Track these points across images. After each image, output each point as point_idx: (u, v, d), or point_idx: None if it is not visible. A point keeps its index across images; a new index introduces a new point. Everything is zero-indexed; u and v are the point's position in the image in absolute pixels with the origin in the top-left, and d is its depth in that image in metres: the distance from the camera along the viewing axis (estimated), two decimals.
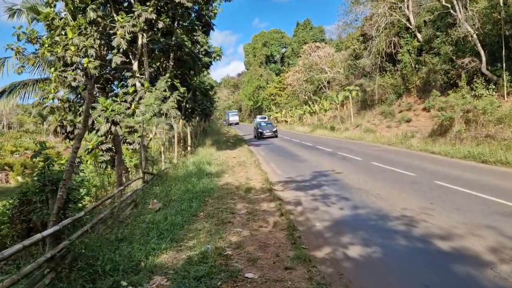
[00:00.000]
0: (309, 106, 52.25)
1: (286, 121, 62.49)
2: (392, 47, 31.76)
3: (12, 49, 16.57)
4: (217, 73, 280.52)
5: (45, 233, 4.68)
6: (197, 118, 33.71)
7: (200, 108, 31.69)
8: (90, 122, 15.98)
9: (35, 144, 8.21)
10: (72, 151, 5.12)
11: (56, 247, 4.98)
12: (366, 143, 23.87)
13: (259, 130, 34.06)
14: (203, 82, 34.13)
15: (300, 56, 61.03)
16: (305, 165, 15.05)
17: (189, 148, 23.83)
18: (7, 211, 8.11)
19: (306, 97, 58.52)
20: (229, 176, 13.18)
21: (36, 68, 19.28)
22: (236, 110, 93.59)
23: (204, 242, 5.92)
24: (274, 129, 34.09)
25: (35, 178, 7.99)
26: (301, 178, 12.13)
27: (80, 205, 9.10)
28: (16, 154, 42.80)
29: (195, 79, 28.93)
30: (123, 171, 16.77)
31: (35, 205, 7.83)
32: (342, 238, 6.08)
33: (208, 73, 37.18)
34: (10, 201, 8.50)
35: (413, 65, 29.88)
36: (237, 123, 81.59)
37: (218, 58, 29.38)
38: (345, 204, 8.26)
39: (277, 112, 69.03)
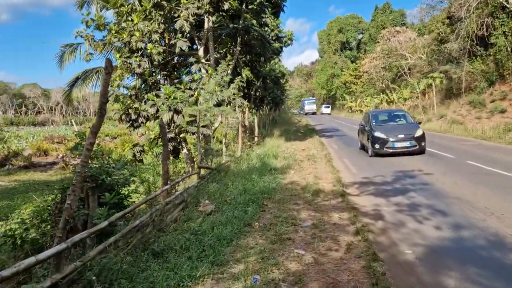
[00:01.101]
0: (387, 94, 48.78)
1: (361, 111, 59.13)
2: (484, 29, 27.75)
3: (81, 36, 16.42)
4: (289, 62, 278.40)
5: (41, 256, 3.58)
6: (267, 107, 32.54)
7: (270, 96, 30.42)
8: (154, 110, 15.43)
9: (75, 135, 7.37)
10: (85, 149, 3.97)
11: (62, 270, 3.89)
12: (454, 136, 20.89)
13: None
14: (274, 69, 32.77)
15: (378, 42, 57.07)
16: (384, 162, 13.00)
17: (256, 139, 22.64)
18: (49, 207, 7.40)
19: (384, 85, 54.72)
20: (295, 173, 11.66)
21: (106, 55, 19.22)
22: (314, 98, 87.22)
23: (252, 270, 4.49)
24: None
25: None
26: (380, 179, 10.20)
27: (127, 202, 8.23)
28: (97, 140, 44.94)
29: (265, 66, 27.64)
30: (189, 161, 16.11)
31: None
32: (445, 279, 4.30)
33: (279, 60, 35.72)
34: (52, 196, 7.83)
35: (509, 49, 25.83)
36: (314, 113, 74.48)
37: (289, 43, 27.78)
38: (442, 221, 6.31)
39: (351, 101, 65.70)
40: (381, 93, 52.48)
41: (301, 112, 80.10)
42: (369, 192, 8.81)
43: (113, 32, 16.09)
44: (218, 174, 10.59)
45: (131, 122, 16.55)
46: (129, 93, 17.22)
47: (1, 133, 46.51)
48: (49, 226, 7.06)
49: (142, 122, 16.44)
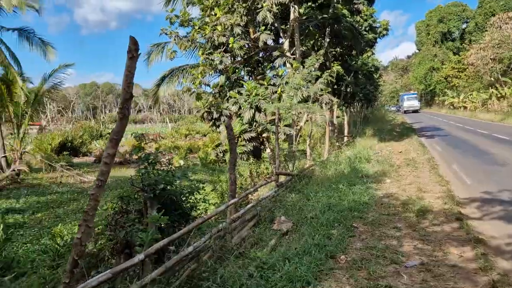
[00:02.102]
0: (497, 89, 42.99)
1: (465, 107, 53.08)
2: None
3: (166, 33, 16.16)
4: (383, 55, 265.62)
5: None
6: (358, 104, 30.31)
7: (362, 92, 28.15)
8: (236, 108, 14.59)
9: (134, 137, 6.52)
10: (103, 163, 2.89)
11: None
12: None
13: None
14: (367, 63, 30.32)
15: (487, 31, 50.59)
16: (508, 170, 10.48)
17: (345, 139, 20.74)
18: (106, 217, 6.67)
19: (493, 79, 48.40)
20: (392, 182, 9.78)
21: (190, 53, 18.92)
22: (415, 92, 73.25)
23: None
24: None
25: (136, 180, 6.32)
26: (509, 195, 7.94)
27: (195, 213, 7.24)
28: (188, 137, 46.29)
29: (357, 59, 25.48)
30: (272, 162, 14.96)
31: (128, 215, 6.15)
32: None
33: (373, 53, 33.06)
34: (110, 205, 7.11)
35: None
36: (416, 111, 62.13)
37: (385, 33, 25.27)
38: None
39: (453, 97, 59.37)
40: (489, 88, 46.55)
41: (399, 109, 71.63)
42: (497, 216, 6.64)
43: (196, 28, 15.58)
44: (300, 182, 9.19)
45: (213, 120, 15.96)
46: (212, 91, 16.65)
47: (105, 131, 50.14)
48: (104, 240, 6.33)
49: (224, 121, 15.61)
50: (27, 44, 21.24)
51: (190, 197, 7.04)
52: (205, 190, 7.75)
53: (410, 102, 62.72)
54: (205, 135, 45.72)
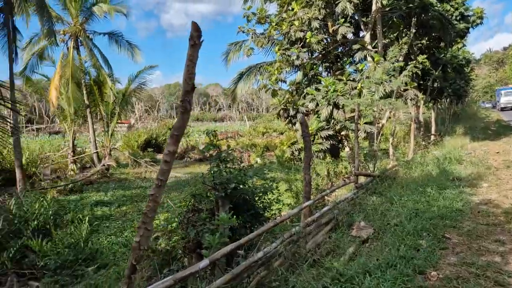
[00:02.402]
0: None
1: None
2: None
3: (243, 31, 16.17)
4: (475, 48, 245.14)
5: None
6: (447, 100, 28.01)
7: (451, 87, 25.90)
8: (313, 105, 14.10)
9: (206, 134, 6.37)
10: (163, 161, 2.66)
11: None
12: None
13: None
14: (456, 56, 27.85)
15: None
16: None
17: (432, 138, 19.17)
18: (180, 215, 6.63)
19: None
20: (490, 187, 8.62)
21: (267, 50, 18.79)
22: None
23: None
24: None
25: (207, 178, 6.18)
26: None
27: (268, 213, 6.96)
28: (265, 135, 46.55)
29: (446, 52, 23.46)
30: (351, 161, 14.24)
31: (200, 214, 6.02)
32: None
33: (464, 45, 30.29)
34: (184, 203, 7.07)
35: None
36: None
37: (478, 22, 22.94)
38: None
39: None
40: None
41: (494, 105, 63.42)
42: None
43: (273, 24, 15.37)
44: (382, 184, 8.47)
45: (289, 118, 15.66)
46: (289, 88, 16.35)
47: (186, 129, 52.26)
48: (176, 237, 6.28)
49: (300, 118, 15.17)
50: (116, 47, 22.69)
51: (263, 197, 6.78)
52: (279, 190, 7.42)
53: (509, 97, 53.47)
54: (282, 133, 45.56)
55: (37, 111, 77.26)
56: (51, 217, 10.06)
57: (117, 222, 12.23)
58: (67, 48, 21.04)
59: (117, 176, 20.98)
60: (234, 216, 5.20)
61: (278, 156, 24.94)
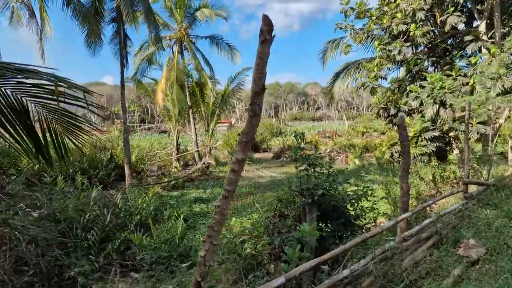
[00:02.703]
0: None
1: None
2: None
3: (341, 28, 15.58)
4: None
5: None
6: None
7: None
8: (417, 103, 12.98)
9: (294, 136, 6.08)
10: (231, 170, 2.45)
11: None
12: None
13: None
14: None
15: None
16: None
17: None
18: (265, 220, 6.45)
19: None
20: None
21: (366, 46, 17.90)
22: None
23: None
24: None
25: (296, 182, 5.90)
26: None
27: (361, 222, 6.46)
28: (365, 135, 44.85)
29: None
30: (462, 165, 12.84)
31: (286, 221, 5.77)
32: None
33: None
34: (271, 208, 6.86)
35: None
36: None
37: None
38: None
39: None
40: None
41: None
42: None
43: (374, 18, 14.52)
44: (497, 194, 7.33)
45: (389, 117, 14.71)
46: (390, 86, 15.35)
47: (284, 128, 52.51)
48: (262, 242, 6.10)
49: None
50: (216, 50, 23.56)
51: (356, 204, 6.29)
52: (374, 196, 6.84)
53: None
54: (383, 133, 43.36)
55: (149, 111, 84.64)
56: (152, 212, 10.69)
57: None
58: (172, 53, 22.43)
59: (216, 174, 21.79)
60: (322, 224, 4.86)
61: (377, 157, 23.69)
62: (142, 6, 14.79)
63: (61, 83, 4.15)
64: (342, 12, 15.31)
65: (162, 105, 21.87)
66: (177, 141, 23.19)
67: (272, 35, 2.30)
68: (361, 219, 6.28)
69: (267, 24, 2.28)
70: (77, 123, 4.80)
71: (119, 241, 8.60)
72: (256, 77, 2.30)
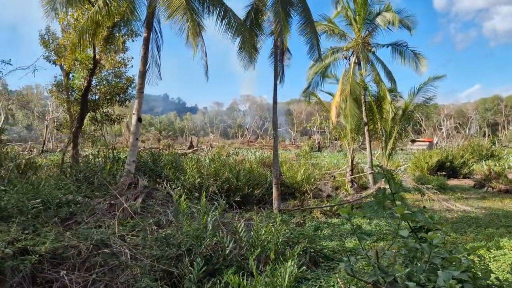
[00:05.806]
0: None
1: None
2: None
3: None
4: None
5: None
6: None
7: None
8: None
9: None
10: None
11: None
12: None
13: None
14: None
15: None
16: None
17: None
18: None
19: None
20: None
21: None
22: None
23: None
24: None
25: None
26: None
27: None
28: None
29: None
30: None
31: None
32: None
33: None
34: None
35: None
36: None
37: None
38: None
39: None
40: None
41: None
42: None
43: None
44: None
45: None
46: None
47: (498, 150, 43.53)
48: None
49: None
50: (399, 59, 20.53)
51: None
52: None
53: None
54: None
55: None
56: (280, 246, 9.01)
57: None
58: (349, 64, 20.52)
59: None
60: None
61: None
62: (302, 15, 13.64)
63: None
64: None
65: (336, 121, 20.16)
66: (352, 161, 21.03)
67: None
68: None
69: None
70: None
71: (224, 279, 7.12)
72: None
